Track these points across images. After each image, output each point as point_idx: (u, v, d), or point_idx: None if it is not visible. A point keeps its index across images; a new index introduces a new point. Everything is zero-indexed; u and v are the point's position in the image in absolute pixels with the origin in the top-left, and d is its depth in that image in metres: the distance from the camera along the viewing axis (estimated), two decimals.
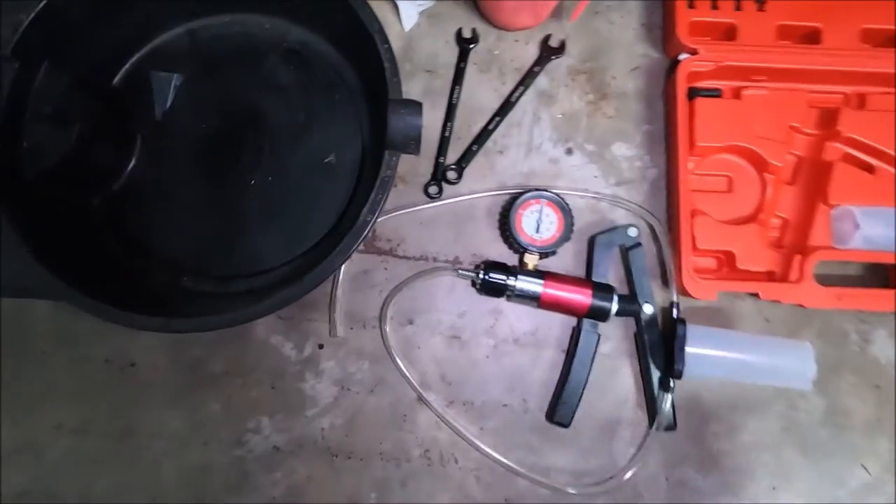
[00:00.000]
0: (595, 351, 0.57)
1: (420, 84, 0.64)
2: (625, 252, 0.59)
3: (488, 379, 0.59)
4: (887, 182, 0.58)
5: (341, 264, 0.51)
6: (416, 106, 0.51)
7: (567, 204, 0.58)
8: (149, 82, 0.61)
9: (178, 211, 0.60)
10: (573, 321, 0.59)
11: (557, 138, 0.63)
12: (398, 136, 0.51)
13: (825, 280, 0.57)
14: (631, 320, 0.59)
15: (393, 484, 0.58)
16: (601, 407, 0.58)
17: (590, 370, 0.57)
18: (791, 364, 0.54)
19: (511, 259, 0.60)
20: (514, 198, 0.58)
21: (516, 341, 0.60)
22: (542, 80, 0.64)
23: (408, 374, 0.58)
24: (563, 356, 0.59)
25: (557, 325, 0.60)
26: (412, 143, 0.51)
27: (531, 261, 0.57)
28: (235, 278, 0.59)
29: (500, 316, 0.60)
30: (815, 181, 0.59)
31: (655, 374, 0.57)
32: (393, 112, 0.50)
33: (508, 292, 0.56)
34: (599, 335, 0.57)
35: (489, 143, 0.63)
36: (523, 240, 0.57)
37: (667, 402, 0.55)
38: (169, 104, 0.61)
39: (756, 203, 0.59)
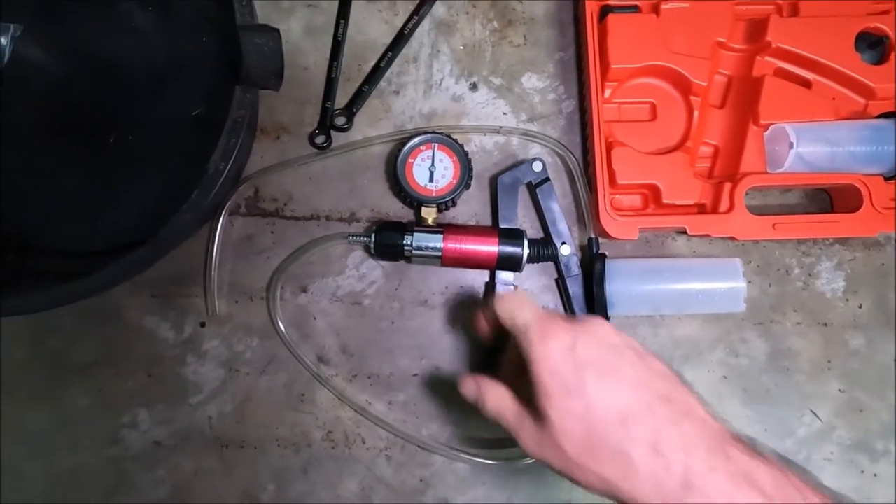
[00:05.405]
0: None
1: (301, 21, 0.56)
2: (533, 190, 0.52)
3: (395, 347, 0.52)
4: (825, 96, 0.52)
5: (197, 222, 0.43)
6: (272, 32, 0.43)
7: (461, 145, 0.51)
8: None
9: (23, 179, 0.52)
10: (486, 275, 0.53)
11: (460, 73, 0.55)
12: (255, 70, 0.43)
13: (764, 211, 0.52)
14: (553, 267, 0.52)
15: (293, 472, 0.51)
16: None
17: None
18: (720, 285, 0.48)
19: (411, 213, 0.53)
20: (402, 146, 0.51)
21: (424, 303, 0.53)
22: (439, 8, 0.56)
23: (299, 349, 0.51)
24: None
25: (470, 281, 0.53)
26: (272, 78, 0.44)
27: (429, 214, 0.50)
28: (94, 255, 0.51)
29: (404, 276, 0.53)
30: (745, 101, 0.52)
31: None
32: (247, 41, 0.43)
33: (407, 253, 0.49)
34: (516, 287, 0.51)
35: (383, 83, 0.55)
36: (416, 192, 0.50)
37: None
38: (7, 59, 0.53)
39: (682, 130, 0.53)
